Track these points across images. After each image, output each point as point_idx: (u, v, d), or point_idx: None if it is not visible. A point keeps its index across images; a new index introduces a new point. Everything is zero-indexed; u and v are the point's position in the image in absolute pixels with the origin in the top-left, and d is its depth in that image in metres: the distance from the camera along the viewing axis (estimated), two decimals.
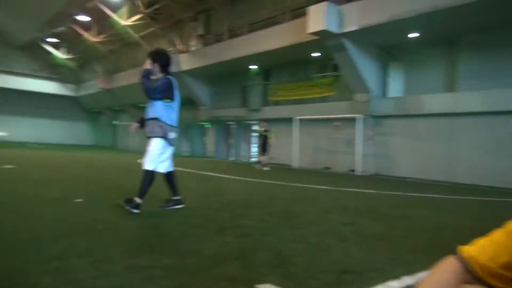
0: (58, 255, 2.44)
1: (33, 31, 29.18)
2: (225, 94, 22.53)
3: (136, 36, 24.64)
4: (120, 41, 27.86)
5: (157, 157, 4.16)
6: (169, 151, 4.32)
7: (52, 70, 35.95)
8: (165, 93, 4.12)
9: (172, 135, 4.21)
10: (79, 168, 10.40)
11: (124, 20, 23.37)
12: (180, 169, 11.66)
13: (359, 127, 14.16)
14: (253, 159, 21.15)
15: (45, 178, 7.17)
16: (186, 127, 27.34)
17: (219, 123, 23.30)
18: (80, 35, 27.67)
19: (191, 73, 21.76)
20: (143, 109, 19.06)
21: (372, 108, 13.96)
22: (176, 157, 17.47)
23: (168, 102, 4.16)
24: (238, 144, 22.54)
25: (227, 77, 21.85)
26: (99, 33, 27.35)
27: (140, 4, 21.69)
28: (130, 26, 23.69)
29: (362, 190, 8.08)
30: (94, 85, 31.78)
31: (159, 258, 2.50)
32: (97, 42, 27.83)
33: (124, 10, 23.14)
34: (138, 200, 4.00)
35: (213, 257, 2.61)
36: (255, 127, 21.37)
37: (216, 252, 2.73)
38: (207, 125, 24.30)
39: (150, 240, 3.01)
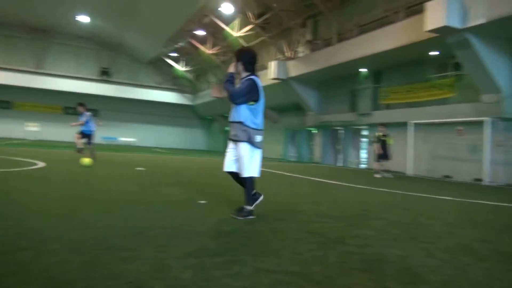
0: (193, 253, 2.64)
1: (159, 47, 32.60)
2: (333, 99, 22.19)
3: (246, 45, 25.76)
4: (231, 52, 29.44)
5: (251, 161, 4.03)
6: (258, 154, 4.11)
7: (173, 81, 39.69)
8: (249, 95, 3.91)
9: (258, 138, 4.02)
10: (198, 170, 11.25)
11: (236, 31, 24.66)
12: (289, 174, 11.80)
13: (487, 131, 12.65)
14: (363, 165, 20.39)
15: (171, 179, 7.87)
16: (293, 133, 27.62)
17: (326, 128, 23.04)
18: (197, 48, 29.96)
19: (298, 79, 21.95)
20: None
21: (504, 110, 12.35)
22: (283, 163, 17.67)
23: (252, 104, 3.94)
24: (347, 149, 21.96)
25: (335, 82, 21.52)
26: (213, 46, 29.29)
27: (251, 15, 22.66)
28: (241, 37, 24.88)
29: (493, 203, 7.17)
30: (208, 94, 34.14)
31: (284, 263, 2.53)
32: (212, 54, 29.83)
33: (236, 22, 24.43)
34: (248, 207, 4.03)
35: (337, 267, 2.56)
36: (365, 132, 20.59)
37: (339, 262, 2.67)
38: (314, 130, 24.20)
39: (274, 244, 3.07)
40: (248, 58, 4.06)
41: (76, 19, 30.93)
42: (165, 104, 39.72)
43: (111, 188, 5.96)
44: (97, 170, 8.85)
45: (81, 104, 11.06)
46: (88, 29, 33.62)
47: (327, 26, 20.82)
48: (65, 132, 35.57)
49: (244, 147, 3.97)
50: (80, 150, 10.84)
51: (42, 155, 12.50)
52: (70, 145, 23.47)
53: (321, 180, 10.47)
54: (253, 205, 4.06)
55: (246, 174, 4.01)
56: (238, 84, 4.04)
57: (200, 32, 27.59)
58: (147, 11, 26.22)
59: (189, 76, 37.10)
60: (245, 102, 3.92)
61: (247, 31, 24.27)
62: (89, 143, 10.94)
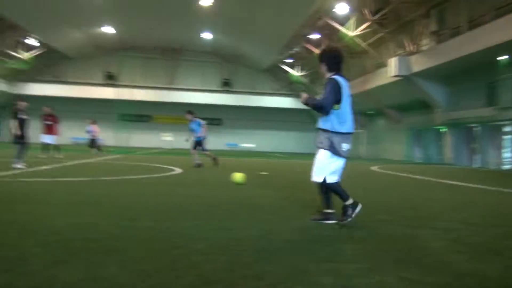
0: (328, 258, 2.60)
1: (274, 55, 33.61)
2: (465, 93, 19.97)
3: (363, 44, 24.90)
4: (347, 52, 28.74)
5: (323, 167, 3.69)
6: (340, 162, 3.72)
7: (289, 87, 40.46)
8: (336, 98, 3.56)
9: (344, 146, 3.64)
10: None
11: (351, 31, 24.01)
12: (418, 177, 10.93)
13: None
14: (506, 166, 17.86)
15: (294, 183, 7.97)
16: (418, 132, 25.64)
17: (458, 126, 20.83)
18: (311, 52, 30.00)
19: (423, 74, 20.33)
20: (371, 116, 19.13)
21: None
22: (409, 165, 16.46)
23: (336, 108, 3.58)
24: (484, 148, 19.48)
25: (466, 74, 19.31)
26: None
27: (367, 12, 21.81)
28: (357, 36, 24.13)
29: None
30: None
31: (430, 274, 2.32)
32: None
33: (352, 21, 23.77)
34: (348, 202, 3.74)
35: (497, 281, 2.24)
36: (507, 129, 18.03)
37: (499, 276, 2.34)
38: (443, 128, 22.08)
39: (414, 252, 2.85)
40: (331, 58, 3.78)
41: (201, 36, 33.85)
42: (282, 109, 40.69)
43: (241, 192, 6.29)
44: (226, 175, 9.46)
45: (189, 112, 11.30)
46: (210, 44, 36.48)
47: (455, 13, 18.85)
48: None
49: (323, 153, 3.70)
50: (199, 165, 10.89)
51: (178, 162, 13.86)
52: (199, 153, 25.58)
53: (456, 183, 9.45)
54: (350, 216, 3.69)
55: (315, 178, 3.74)
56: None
57: (315, 36, 27.58)
58: (263, 21, 27.26)
59: (304, 80, 37.36)
60: (331, 107, 3.58)
61: (363, 29, 23.42)
62: (202, 149, 11.11)
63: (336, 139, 3.62)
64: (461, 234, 3.55)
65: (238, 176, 6.51)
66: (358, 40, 24.56)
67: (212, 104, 39.01)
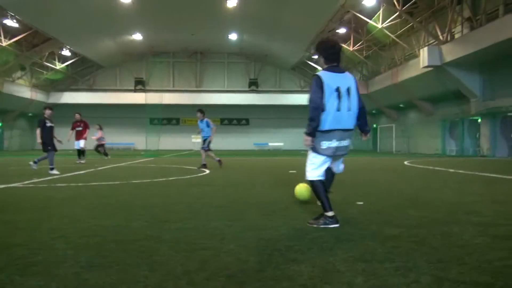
0: (360, 257, 2.52)
1: (301, 52, 33.33)
2: (503, 82, 19.08)
3: (392, 36, 24.30)
4: (376, 45, 28.16)
5: (315, 167, 3.55)
6: (320, 159, 3.55)
7: None
8: (321, 95, 3.40)
9: (323, 144, 3.46)
10: (350, 170, 10.97)
11: (380, 23, 23.46)
12: (454, 170, 10.53)
13: None
14: None
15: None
16: (453, 124, 24.78)
17: (495, 116, 19.94)
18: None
19: (456, 63, 19.61)
20: (402, 110, 18.70)
21: None
22: (443, 158, 15.92)
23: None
24: None
25: (504, 61, 18.46)
26: (355, 42, 28.49)
27: (395, 2, 21.24)
28: (386, 27, 23.57)
29: None
30: None
31: (470, 273, 2.20)
32: (355, 50, 29.02)
33: (380, 13, 23.23)
34: (327, 214, 3.47)
35: None
36: None
37: None
38: (479, 119, 21.22)
39: (451, 250, 2.72)
40: (328, 49, 3.61)
41: (228, 37, 34.07)
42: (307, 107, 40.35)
43: (271, 191, 6.25)
44: (256, 175, 9.44)
45: (200, 111, 11.31)
46: (237, 45, 36.64)
47: None
48: (222, 141, 39.28)
49: (310, 153, 3.62)
50: (204, 166, 10.92)
51: (207, 164, 13.96)
52: (228, 153, 25.79)
53: (496, 175, 9.03)
54: (331, 213, 3.46)
55: (308, 177, 3.62)
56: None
57: (342, 30, 27.15)
58: (289, 19, 27.10)
59: None
60: (322, 101, 3.41)
61: (392, 20, 22.82)
62: (203, 147, 11.06)
63: (316, 135, 3.47)
64: (502, 229, 3.37)
65: (301, 191, 4.78)
66: (387, 32, 23.97)
67: (239, 105, 39.17)
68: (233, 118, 41.94)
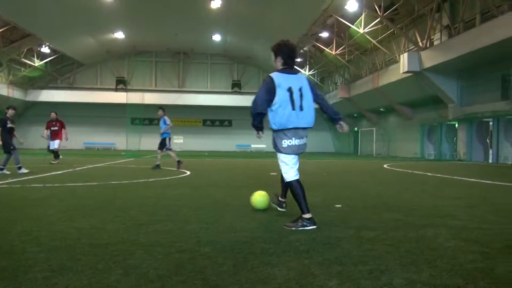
0: (336, 260, 2.54)
1: None
2: (479, 88, 19.62)
3: (373, 41, 24.67)
4: (357, 50, 28.54)
5: (289, 167, 3.68)
6: (287, 158, 3.68)
7: None
8: (267, 98, 3.51)
9: (284, 142, 3.58)
10: (330, 173, 11.08)
11: (362, 28, 23.80)
12: (431, 174, 10.75)
13: None
14: None
15: (311, 182, 7.89)
16: (431, 128, 25.31)
17: (472, 121, 20.47)
18: (321, 51, 29.88)
19: (435, 69, 20.05)
20: (383, 114, 18.96)
21: None
22: (421, 162, 16.21)
23: (270, 106, 3.55)
24: (500, 143, 19.10)
25: (480, 68, 18.98)
26: (338, 46, 28.84)
27: (377, 8, 21.60)
28: (368, 32, 23.92)
29: None
30: (335, 96, 33.65)
31: (441, 276, 2.24)
32: (337, 54, 29.38)
33: (361, 18, 23.57)
34: (305, 216, 3.52)
35: (509, 281, 2.16)
36: None
37: None
38: (456, 124, 21.74)
39: (424, 254, 2.77)
40: (288, 52, 3.69)
41: (210, 38, 33.96)
42: None
43: (251, 193, 6.24)
44: (237, 177, 9.42)
45: (161, 108, 11.27)
46: (220, 46, 36.57)
47: (468, 6, 18.51)
48: (204, 142, 39.11)
49: (278, 155, 3.73)
50: (179, 165, 10.94)
51: (188, 165, 13.90)
52: (210, 154, 25.66)
53: (471, 179, 9.27)
54: (309, 215, 3.52)
55: (286, 179, 3.75)
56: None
57: (324, 34, 27.42)
58: (272, 22, 27.22)
59: (314, 79, 37.18)
60: (266, 106, 3.54)
61: (374, 26, 23.19)
62: (167, 148, 11.07)
63: (276, 136, 3.64)
64: (475, 233, 3.45)
65: (257, 199, 4.61)
66: (369, 37, 24.34)
67: (222, 106, 39.06)
68: (216, 119, 41.80)
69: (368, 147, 32.12)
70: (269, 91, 3.50)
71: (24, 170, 8.90)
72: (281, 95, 3.49)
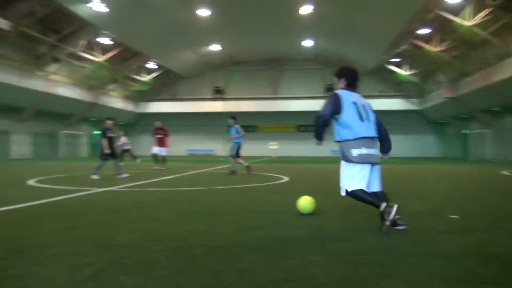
0: (459, 277, 2.32)
1: (379, 55, 32.11)
2: None
3: (483, 33, 22.34)
4: (464, 45, 26.13)
5: (349, 178, 3.69)
6: (356, 168, 3.65)
7: (396, 88, 38.22)
8: (333, 110, 3.69)
9: (353, 152, 3.63)
10: (440, 179, 10.24)
11: (468, 21, 21.73)
12: None
13: None
14: None
15: (414, 190, 7.42)
16: None
17: None
18: (421, 48, 27.98)
19: None
20: (497, 113, 17.02)
21: None
22: None
23: (337, 118, 3.71)
24: None
25: None
26: (441, 42, 26.73)
27: None
28: (475, 25, 21.75)
29: None
30: (438, 96, 31.20)
31: None
32: (439, 51, 27.23)
33: (468, 10, 21.52)
34: (381, 208, 3.47)
35: None
36: None
37: None
38: None
39: None
40: (352, 75, 3.96)
41: (302, 44, 34.10)
42: (389, 111, 38.50)
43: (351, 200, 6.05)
44: (335, 183, 9.23)
45: (232, 117, 11.40)
46: (312, 51, 36.44)
47: None
48: (299, 148, 39.22)
49: (342, 164, 3.79)
50: (233, 172, 11.00)
51: (285, 170, 14.05)
52: (306, 160, 25.61)
53: None
54: (387, 220, 3.40)
55: (343, 191, 3.77)
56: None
57: (424, 31, 25.61)
58: (366, 22, 26.31)
59: (414, 79, 34.89)
60: (328, 117, 3.72)
61: (483, 17, 20.99)
62: (235, 155, 11.11)
63: (344, 147, 3.71)
64: None
65: (303, 203, 4.65)
66: (477, 30, 22.09)
67: (316, 111, 38.63)
68: (310, 125, 41.57)
69: (479, 151, 29.02)
70: (335, 104, 3.71)
71: (124, 175, 9.79)
72: (347, 107, 3.70)
